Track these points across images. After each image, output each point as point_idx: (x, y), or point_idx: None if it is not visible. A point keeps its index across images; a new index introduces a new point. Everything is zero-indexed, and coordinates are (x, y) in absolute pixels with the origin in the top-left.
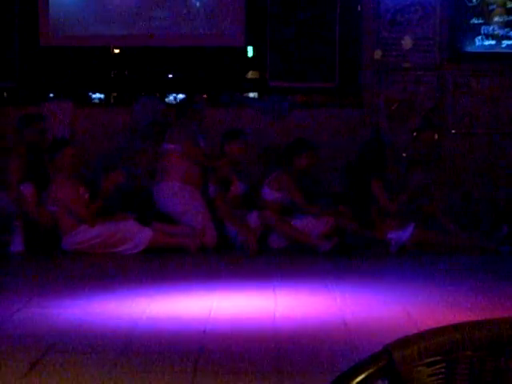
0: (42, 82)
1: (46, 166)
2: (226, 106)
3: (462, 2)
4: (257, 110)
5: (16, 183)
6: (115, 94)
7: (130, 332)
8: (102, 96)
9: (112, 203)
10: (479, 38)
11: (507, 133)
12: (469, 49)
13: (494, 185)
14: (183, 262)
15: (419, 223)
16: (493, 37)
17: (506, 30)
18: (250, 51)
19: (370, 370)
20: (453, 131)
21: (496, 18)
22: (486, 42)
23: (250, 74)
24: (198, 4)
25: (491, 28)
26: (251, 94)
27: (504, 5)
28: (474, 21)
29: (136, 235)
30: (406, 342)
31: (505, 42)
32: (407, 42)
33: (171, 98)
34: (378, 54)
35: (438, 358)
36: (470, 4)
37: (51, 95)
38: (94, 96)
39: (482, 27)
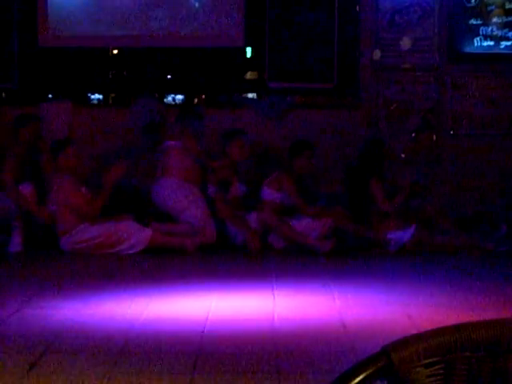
0: (40, 83)
1: (42, 166)
2: (225, 106)
3: (461, 2)
4: (255, 110)
5: (14, 182)
6: (114, 95)
7: (129, 332)
8: (100, 97)
9: (110, 204)
10: (478, 38)
11: (506, 133)
12: (467, 50)
13: (492, 185)
14: (182, 262)
15: (419, 224)
16: (491, 38)
17: (504, 30)
18: (249, 52)
19: (369, 371)
20: (451, 132)
21: (495, 19)
22: (485, 43)
23: (249, 75)
24: (196, 5)
25: (490, 29)
26: (250, 95)
27: (503, 6)
28: (473, 22)
29: (135, 235)
30: (404, 342)
31: (503, 43)
32: (406, 43)
33: (170, 98)
34: (376, 54)
35: (437, 358)
36: (469, 5)
37: (50, 96)
38: (92, 97)
39: (481, 28)
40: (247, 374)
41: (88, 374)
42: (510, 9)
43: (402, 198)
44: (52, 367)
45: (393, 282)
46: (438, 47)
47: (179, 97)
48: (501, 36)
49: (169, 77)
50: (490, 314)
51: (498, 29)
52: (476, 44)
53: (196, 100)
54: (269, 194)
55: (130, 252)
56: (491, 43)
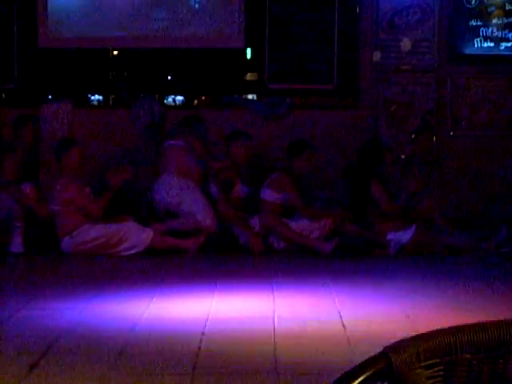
0: (40, 84)
1: (41, 167)
2: (225, 107)
3: (461, 3)
4: (255, 111)
5: (15, 181)
6: (114, 96)
7: (129, 333)
8: (100, 97)
9: (111, 205)
10: (478, 40)
11: (505, 135)
12: (467, 51)
13: (492, 187)
14: (182, 263)
15: (419, 225)
16: (491, 39)
17: (504, 32)
18: (249, 53)
19: (369, 373)
20: (451, 133)
21: (495, 20)
22: (485, 44)
23: (249, 76)
24: (196, 6)
25: (490, 30)
26: (250, 96)
27: (503, 7)
28: (473, 23)
29: (136, 236)
30: (404, 344)
31: (503, 44)
32: (406, 44)
33: (170, 99)
34: (376, 55)
35: (437, 360)
36: (469, 6)
37: (50, 97)
38: (92, 98)
39: (481, 29)
40: (247, 374)
41: (88, 375)
42: (510, 10)
43: (404, 200)
44: (52, 368)
45: (392, 283)
46: (437, 48)
47: (179, 98)
48: (501, 37)
49: (169, 78)
50: (490, 315)
51: (498, 30)
52: (476, 45)
53: (196, 101)
54: (269, 194)
55: (131, 253)
56: (491, 44)
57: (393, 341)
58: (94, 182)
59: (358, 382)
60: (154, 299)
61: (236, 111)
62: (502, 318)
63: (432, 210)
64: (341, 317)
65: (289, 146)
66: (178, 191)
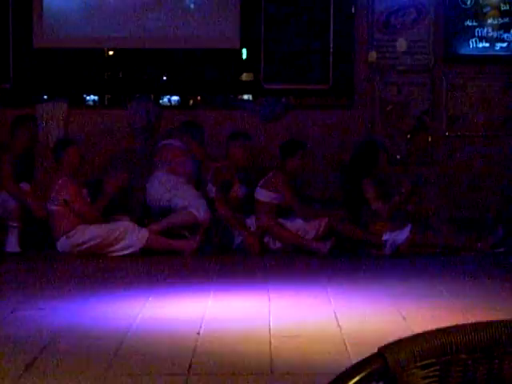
0: (36, 84)
1: (37, 167)
2: (220, 108)
3: (456, 4)
4: (251, 112)
5: (13, 178)
6: (109, 96)
7: (125, 333)
8: (96, 98)
9: (107, 205)
10: (473, 40)
11: (501, 135)
12: (463, 51)
13: (488, 187)
14: (178, 263)
15: (414, 225)
16: (487, 39)
17: (499, 32)
18: (245, 53)
19: (364, 373)
20: (446, 133)
21: (490, 21)
22: (480, 45)
23: (245, 76)
24: (192, 6)
25: (485, 30)
26: (245, 97)
27: (498, 7)
28: (468, 23)
29: (131, 236)
30: (399, 344)
31: (498, 45)
32: (401, 44)
33: (165, 99)
34: (372, 56)
35: (432, 360)
36: (464, 6)
37: (45, 97)
38: (88, 98)
39: (476, 29)
40: (243, 374)
41: (84, 375)
42: (505, 10)
43: (398, 200)
44: (48, 368)
45: (388, 283)
46: (433, 49)
47: (175, 98)
48: (496, 37)
49: (164, 78)
50: (486, 315)
51: (493, 30)
52: (471, 45)
53: (191, 101)
54: (264, 195)
55: (127, 252)
56: (486, 45)
57: (388, 341)
58: (90, 183)
59: (353, 382)
60: (150, 299)
61: (231, 111)
62: (497, 318)
63: (426, 211)
64: (336, 317)
65: (281, 146)
66: (168, 187)
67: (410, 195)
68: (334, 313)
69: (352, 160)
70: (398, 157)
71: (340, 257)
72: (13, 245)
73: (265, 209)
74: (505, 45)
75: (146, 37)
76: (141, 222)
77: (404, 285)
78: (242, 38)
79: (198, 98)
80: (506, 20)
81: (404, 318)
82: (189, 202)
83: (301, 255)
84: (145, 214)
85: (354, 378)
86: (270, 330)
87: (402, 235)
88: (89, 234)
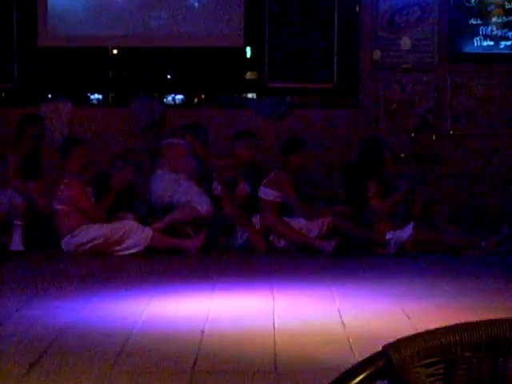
0: (40, 83)
1: (42, 166)
2: (224, 106)
3: (461, 2)
4: (255, 110)
5: (19, 175)
6: (113, 95)
7: (129, 332)
8: (100, 96)
9: (112, 204)
10: (477, 38)
11: (505, 133)
12: (467, 49)
13: (492, 185)
14: (182, 261)
15: (417, 223)
16: (491, 38)
17: (504, 30)
18: (249, 52)
19: (369, 371)
20: (451, 132)
21: (494, 19)
22: (485, 43)
23: (249, 75)
24: (196, 4)
25: (489, 29)
26: (249, 95)
27: (502, 6)
28: (473, 21)
29: (136, 235)
30: (404, 342)
31: (503, 43)
32: (406, 43)
33: (170, 98)
34: (376, 54)
35: (437, 358)
36: (469, 4)
37: (49, 96)
38: (92, 96)
39: (481, 28)
40: (247, 373)
41: (88, 374)
42: (509, 9)
43: (397, 199)
44: (52, 367)
45: (392, 282)
46: (437, 47)
47: (179, 96)
48: (500, 36)
49: (168, 77)
50: (490, 314)
51: (497, 29)
52: (476, 44)
53: (196, 100)
54: (268, 193)
55: (131, 252)
56: (491, 43)
57: (392, 340)
58: (94, 179)
59: (357, 380)
60: (154, 298)
61: (236, 110)
62: (502, 316)
63: (430, 209)
64: (340, 316)
65: (283, 144)
66: (170, 184)
67: (408, 194)
68: (339, 311)
69: (357, 159)
70: (402, 155)
71: (344, 255)
72: (17, 243)
73: (269, 207)
74: (509, 43)
75: (149, 35)
76: (145, 221)
77: (408, 283)
78: (246, 36)
79: (202, 96)
80: (511, 18)
81: (408, 317)
82: (191, 198)
83: (305, 254)
84: (149, 213)
85: (358, 375)
86: (274, 328)
87: (406, 232)
88: (93, 233)
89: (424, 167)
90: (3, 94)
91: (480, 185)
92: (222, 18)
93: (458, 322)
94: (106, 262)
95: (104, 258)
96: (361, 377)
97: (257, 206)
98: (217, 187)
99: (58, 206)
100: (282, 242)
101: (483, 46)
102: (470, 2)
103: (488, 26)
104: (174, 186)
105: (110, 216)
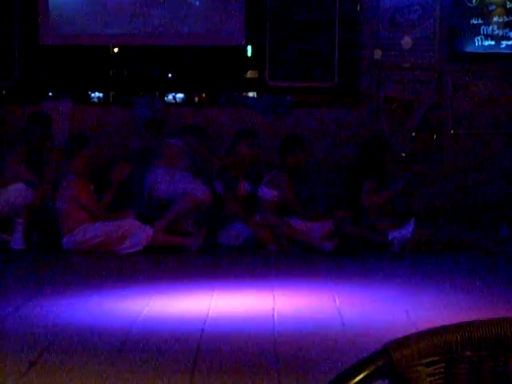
0: (41, 81)
1: (45, 164)
2: (225, 105)
3: (462, 2)
4: (256, 109)
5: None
6: (114, 93)
7: (128, 331)
8: (100, 95)
9: (113, 202)
10: (479, 38)
11: (506, 133)
12: (468, 49)
13: (492, 185)
14: (182, 260)
15: (418, 221)
16: (492, 37)
17: (505, 30)
18: (250, 50)
19: (369, 370)
20: (452, 131)
21: (495, 19)
22: (486, 43)
23: (249, 74)
24: (197, 3)
25: (491, 28)
26: (250, 94)
27: (503, 5)
28: (474, 21)
29: (136, 234)
30: (405, 341)
31: (504, 43)
32: (407, 42)
33: (170, 97)
34: (377, 53)
35: (438, 357)
36: (470, 4)
37: (50, 94)
38: (93, 95)
39: (482, 27)
40: (247, 372)
41: (88, 372)
42: (510, 8)
43: (384, 197)
44: (52, 365)
45: (393, 281)
46: (438, 46)
47: (180, 95)
48: (502, 35)
49: (169, 75)
50: (490, 313)
51: (498, 28)
52: (477, 43)
53: (196, 99)
54: (267, 193)
55: (132, 250)
56: (492, 43)
57: (393, 339)
58: (96, 179)
59: (358, 379)
60: (154, 297)
61: (237, 109)
62: (502, 315)
63: (427, 209)
64: (341, 315)
65: (281, 143)
66: (164, 178)
67: (402, 193)
68: (339, 311)
69: (358, 157)
70: (403, 155)
71: (345, 255)
72: (18, 242)
73: (268, 207)
74: (510, 43)
75: (150, 34)
76: (145, 220)
77: (408, 283)
78: (247, 35)
79: (203, 95)
80: None
81: (409, 316)
82: (186, 186)
83: (306, 253)
84: (148, 211)
85: (359, 374)
86: (274, 327)
87: (408, 230)
88: (93, 231)
89: (425, 166)
90: (4, 92)
91: (480, 184)
92: (222, 17)
93: (458, 321)
94: (106, 261)
95: (105, 257)
96: (361, 376)
97: (257, 206)
98: (217, 186)
99: (61, 204)
100: (283, 242)
101: (484, 46)
102: (471, 2)
103: (489, 26)
104: (169, 179)
105: (110, 213)
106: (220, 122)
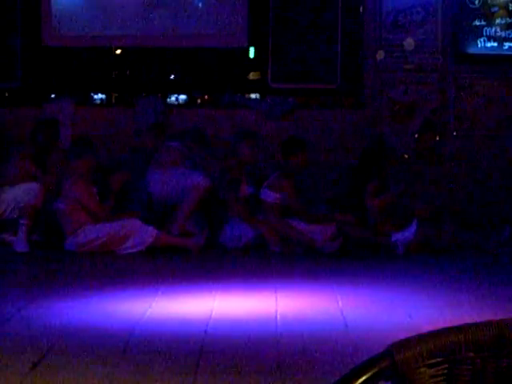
0: (43, 82)
1: (49, 166)
2: (227, 107)
3: (465, 3)
4: (258, 111)
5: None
6: (116, 95)
7: (131, 332)
8: (103, 96)
9: (117, 204)
10: (481, 39)
11: (508, 134)
12: (471, 50)
13: (495, 186)
14: (185, 262)
15: (419, 220)
16: (495, 39)
17: (508, 32)
18: (252, 52)
19: (372, 372)
20: (454, 133)
21: (498, 20)
22: (488, 44)
23: (252, 75)
24: (200, 5)
25: (493, 30)
26: (253, 95)
27: (506, 7)
28: (477, 23)
29: (139, 234)
30: (408, 343)
31: (507, 44)
32: (409, 44)
33: (173, 98)
34: (380, 54)
35: (441, 359)
36: (473, 6)
37: (53, 95)
38: (95, 96)
39: (485, 29)
40: (250, 374)
41: (91, 374)
42: None
43: (385, 201)
44: (54, 367)
45: (395, 282)
46: (441, 48)
47: (182, 97)
48: (504, 37)
49: (172, 77)
50: (493, 314)
51: (501, 30)
52: (480, 45)
53: (199, 100)
54: (270, 195)
55: (134, 251)
56: (495, 44)
57: (396, 340)
58: (98, 181)
59: (361, 380)
60: (157, 298)
61: (239, 110)
62: (504, 316)
63: (430, 210)
64: (344, 317)
65: (283, 145)
66: (165, 179)
67: (403, 195)
68: (342, 312)
69: (361, 161)
70: (406, 156)
71: (348, 256)
72: (21, 243)
73: (270, 209)
74: None
75: (153, 35)
76: (147, 222)
77: (411, 284)
78: (249, 36)
79: (206, 96)
80: None
81: (411, 318)
82: (186, 178)
83: (309, 255)
84: (149, 214)
85: (362, 376)
86: (277, 329)
87: (410, 231)
88: (95, 232)
89: (427, 168)
90: (7, 94)
91: (483, 185)
92: (225, 19)
93: (461, 322)
94: (109, 262)
95: (107, 257)
96: (364, 377)
97: (258, 207)
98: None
99: (63, 206)
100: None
101: (487, 47)
102: (473, 4)
103: (492, 28)
104: (169, 181)
105: (114, 215)
106: (222, 124)
